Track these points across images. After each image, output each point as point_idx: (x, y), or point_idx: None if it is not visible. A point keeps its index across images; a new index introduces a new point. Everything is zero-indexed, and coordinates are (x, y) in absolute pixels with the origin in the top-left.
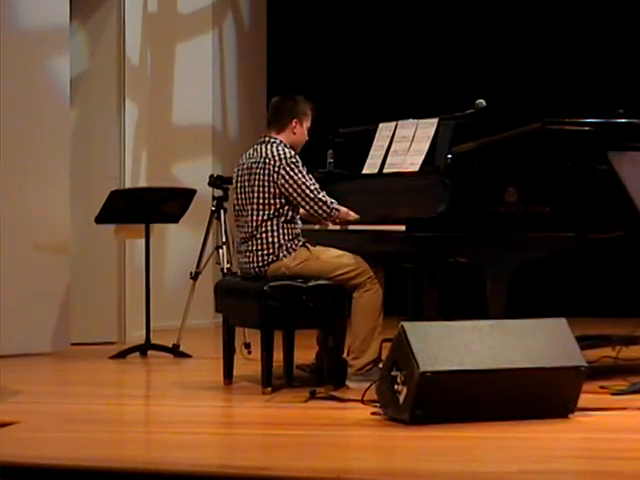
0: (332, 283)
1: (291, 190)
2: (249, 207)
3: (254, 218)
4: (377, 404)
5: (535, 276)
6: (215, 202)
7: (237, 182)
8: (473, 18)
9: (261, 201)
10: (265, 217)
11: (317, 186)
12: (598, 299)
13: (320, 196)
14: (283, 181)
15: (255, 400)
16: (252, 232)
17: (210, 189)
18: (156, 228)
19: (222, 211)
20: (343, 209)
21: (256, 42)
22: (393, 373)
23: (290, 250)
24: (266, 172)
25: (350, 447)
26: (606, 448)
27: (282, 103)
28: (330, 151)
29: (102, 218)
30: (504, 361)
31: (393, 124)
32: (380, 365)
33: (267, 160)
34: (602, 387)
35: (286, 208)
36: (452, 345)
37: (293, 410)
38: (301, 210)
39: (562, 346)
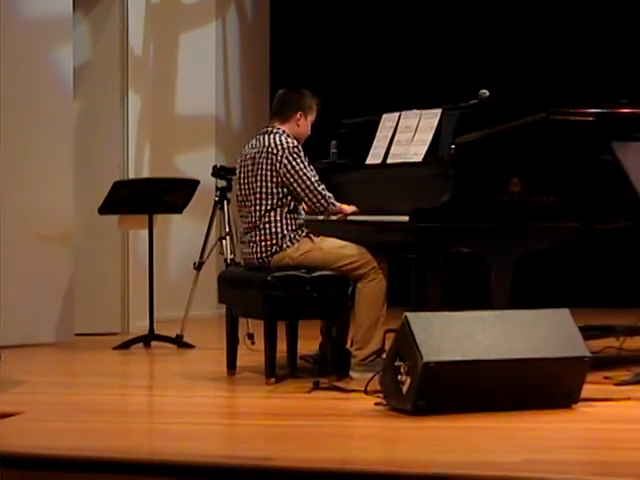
0: (336, 274)
1: (292, 180)
2: (252, 197)
3: (257, 208)
4: (380, 394)
5: (538, 266)
6: (218, 192)
7: (240, 172)
8: (477, 8)
9: (264, 190)
10: (268, 207)
11: (317, 178)
12: (602, 289)
13: (320, 189)
14: (285, 170)
15: (258, 391)
16: (255, 222)
17: (213, 180)
18: (159, 219)
19: (225, 201)
20: (339, 205)
21: (259, 32)
22: (396, 363)
23: (293, 241)
24: (269, 162)
25: (353, 437)
26: (609, 438)
27: (288, 96)
28: (333, 142)
29: (105, 209)
30: (508, 351)
31: (396, 114)
32: (383, 355)
33: (270, 149)
34: (606, 377)
35: (289, 198)
36: (455, 335)
37: (296, 400)
38: None
39: (566, 336)
